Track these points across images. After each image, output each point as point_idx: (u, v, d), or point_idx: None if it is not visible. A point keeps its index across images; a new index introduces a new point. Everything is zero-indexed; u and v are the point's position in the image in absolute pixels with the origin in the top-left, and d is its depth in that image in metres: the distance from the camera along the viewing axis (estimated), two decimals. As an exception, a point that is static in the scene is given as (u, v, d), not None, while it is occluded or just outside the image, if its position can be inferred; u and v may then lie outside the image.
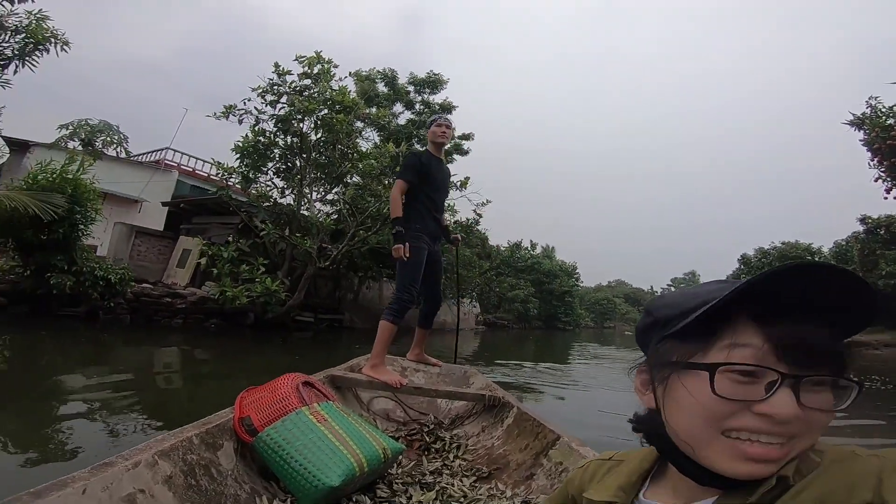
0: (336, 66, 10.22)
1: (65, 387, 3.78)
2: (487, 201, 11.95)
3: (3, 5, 8.33)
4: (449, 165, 17.32)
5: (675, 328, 0.46)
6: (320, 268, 10.00)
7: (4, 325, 6.54)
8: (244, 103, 9.84)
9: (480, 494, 1.64)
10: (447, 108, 17.30)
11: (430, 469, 1.87)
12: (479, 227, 15.47)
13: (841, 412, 0.43)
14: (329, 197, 11.33)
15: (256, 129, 9.89)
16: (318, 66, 9.92)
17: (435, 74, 17.33)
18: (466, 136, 18.35)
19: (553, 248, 40.13)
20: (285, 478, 1.45)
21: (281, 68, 9.84)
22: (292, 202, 10.42)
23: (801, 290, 0.41)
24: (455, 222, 13.07)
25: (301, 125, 9.90)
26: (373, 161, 9.97)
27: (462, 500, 1.60)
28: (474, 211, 12.29)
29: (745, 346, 0.42)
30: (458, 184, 11.09)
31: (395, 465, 1.78)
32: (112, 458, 1.06)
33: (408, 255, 2.68)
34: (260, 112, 9.88)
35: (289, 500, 1.45)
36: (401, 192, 2.80)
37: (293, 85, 9.91)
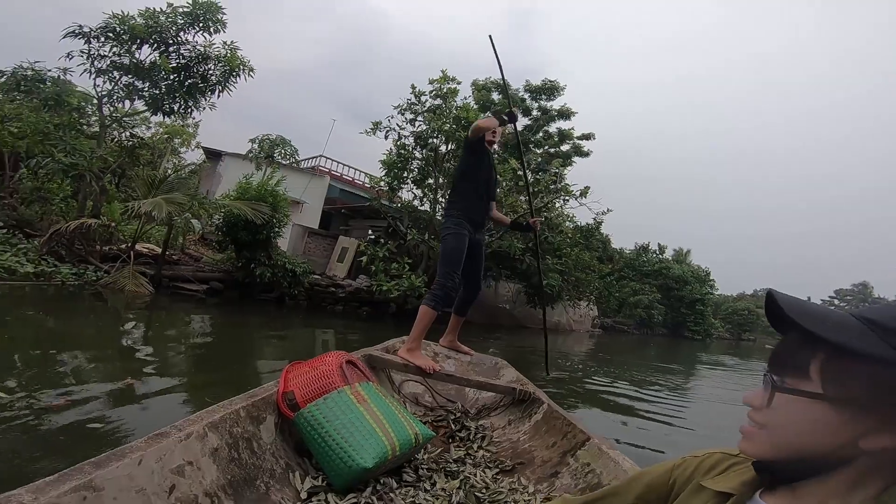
0: (459, 83, 11.45)
1: (262, 352, 5.39)
2: (608, 210, 12.21)
3: (205, 36, 10.12)
4: (569, 168, 17.47)
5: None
6: (441, 266, 11.37)
7: (223, 305, 8.88)
8: (388, 120, 11.56)
9: (502, 487, 1.65)
10: (565, 113, 17.57)
11: (454, 457, 1.88)
12: (601, 231, 15.57)
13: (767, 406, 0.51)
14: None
15: (398, 143, 11.57)
16: (446, 86, 11.22)
17: (550, 81, 17.68)
18: (587, 136, 18.36)
19: (688, 251, 37.26)
20: (320, 455, 1.46)
21: (417, 90, 11.35)
22: (429, 209, 11.91)
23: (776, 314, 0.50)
24: (575, 227, 13.52)
25: (435, 140, 11.30)
26: (497, 177, 11.01)
27: (484, 490, 1.61)
28: (594, 218, 12.59)
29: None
30: (578, 193, 11.55)
31: (423, 450, 1.80)
32: (167, 429, 1.13)
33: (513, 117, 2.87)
34: (401, 128, 11.52)
35: (320, 477, 1.47)
36: (486, 124, 2.85)
37: (427, 104, 11.35)
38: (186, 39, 9.98)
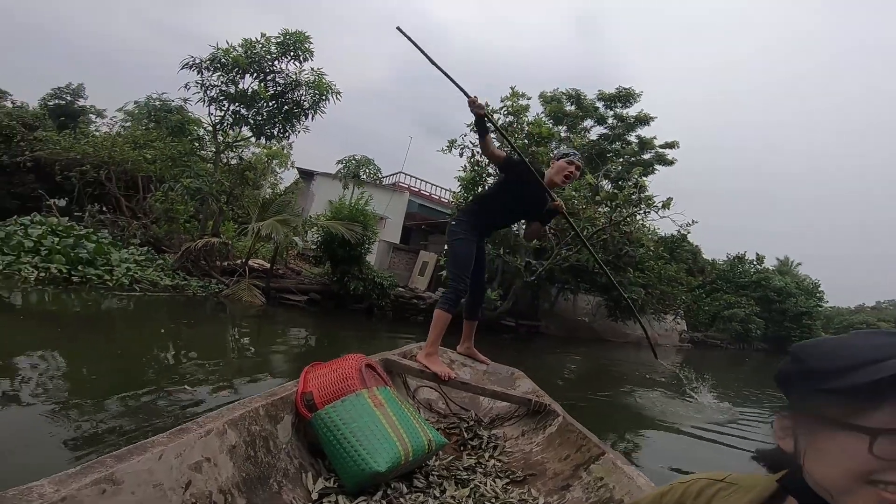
0: (529, 99, 11.60)
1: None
2: (693, 221, 11.69)
3: (296, 64, 11.08)
4: (650, 177, 16.78)
5: (841, 386, 0.45)
6: (526, 281, 11.47)
7: (320, 314, 9.76)
8: (462, 138, 11.97)
9: (512, 497, 1.64)
10: (643, 119, 16.97)
11: (465, 465, 1.88)
12: (688, 241, 14.82)
13: None
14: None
15: (472, 160, 11.95)
16: (517, 103, 11.42)
17: (625, 89, 17.19)
18: (670, 145, 17.59)
19: (796, 262, 33.82)
20: (334, 457, 1.47)
21: (489, 109, 11.69)
22: (504, 224, 12.19)
23: None
24: (659, 240, 13.04)
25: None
26: (573, 192, 10.98)
27: (494, 500, 1.60)
28: (679, 230, 12.09)
29: None
30: (661, 205, 11.19)
31: (435, 457, 1.80)
32: (189, 424, 1.15)
33: (480, 106, 2.68)
34: (474, 145, 11.87)
35: (332, 479, 1.48)
36: (494, 154, 2.77)
37: (498, 122, 11.62)
38: (281, 68, 11.14)
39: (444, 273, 11.09)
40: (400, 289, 11.69)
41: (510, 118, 11.60)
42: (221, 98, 11.00)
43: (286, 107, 11.30)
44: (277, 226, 8.57)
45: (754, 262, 30.11)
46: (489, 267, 12.14)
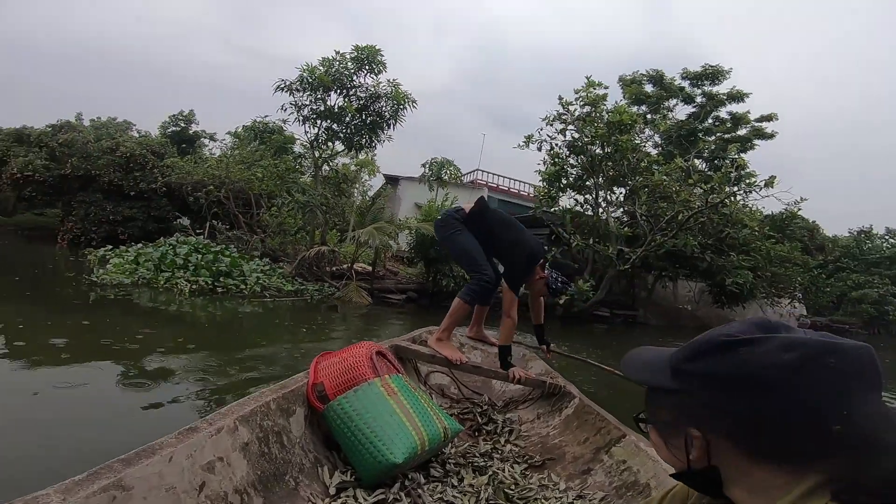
0: (606, 88, 11.28)
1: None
2: (802, 199, 10.67)
3: (372, 77, 11.83)
4: (750, 152, 15.56)
5: None
6: (619, 269, 11.23)
7: (417, 311, 10.35)
8: (538, 132, 11.97)
9: (532, 483, 1.61)
10: (736, 96, 15.77)
11: (481, 451, 1.84)
12: (801, 218, 13.52)
13: None
14: (624, 208, 12.42)
15: (551, 153, 11.90)
16: (593, 92, 11.15)
17: (712, 66, 16.07)
18: (767, 118, 16.21)
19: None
20: (349, 449, 1.43)
21: (564, 100, 11.55)
22: (591, 213, 12.00)
23: None
24: (764, 219, 12.08)
25: (591, 147, 11.33)
26: (664, 177, 10.54)
27: (513, 487, 1.57)
28: (786, 208, 11.11)
29: None
30: (763, 183, 10.37)
31: (450, 444, 1.77)
32: (197, 423, 1.11)
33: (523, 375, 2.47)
34: (552, 138, 11.82)
35: (349, 472, 1.44)
36: (515, 308, 2.57)
37: (575, 113, 11.45)
38: (360, 82, 11.94)
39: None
40: (489, 284, 12.05)
41: (587, 108, 11.40)
42: (313, 116, 12.08)
43: (370, 119, 12.12)
44: (374, 233, 9.33)
45: (886, 237, 26.33)
46: (577, 258, 12.08)
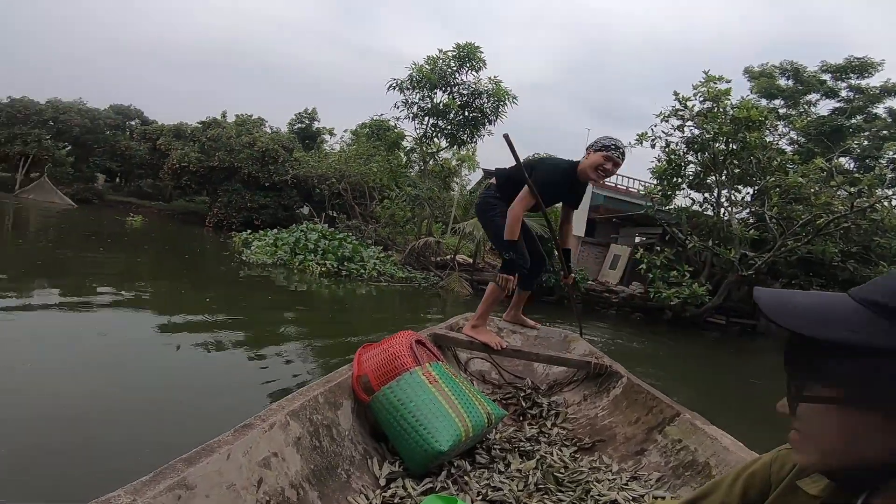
0: (729, 81, 10.35)
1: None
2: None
3: (473, 74, 12.19)
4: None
5: None
6: (741, 275, 10.41)
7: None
8: (652, 129, 11.36)
9: (582, 466, 1.57)
10: (892, 90, 13.61)
11: (527, 436, 1.81)
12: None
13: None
14: (750, 209, 11.44)
15: (667, 150, 11.25)
16: (714, 87, 10.30)
17: (858, 59, 14.00)
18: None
19: None
20: (396, 439, 1.44)
21: (681, 96, 10.82)
22: (712, 213, 11.22)
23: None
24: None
25: (713, 144, 10.54)
26: (800, 178, 9.53)
27: (563, 471, 1.53)
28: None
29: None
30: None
31: (494, 430, 1.74)
32: (251, 420, 1.14)
33: (514, 288, 2.55)
34: (667, 135, 11.16)
35: (397, 462, 1.46)
36: (524, 208, 2.40)
37: (694, 109, 10.68)
38: (462, 80, 12.30)
39: (642, 266, 10.85)
40: (591, 282, 11.81)
41: (707, 104, 10.63)
42: (421, 113, 12.74)
43: (472, 115, 12.49)
44: (478, 224, 9.67)
45: None
46: (694, 259, 11.37)
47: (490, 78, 12.38)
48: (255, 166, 18.82)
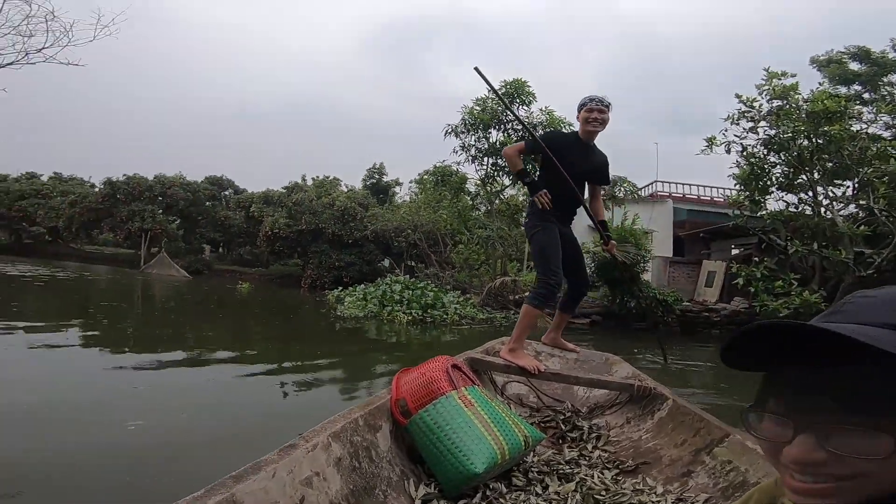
0: (794, 76, 9.73)
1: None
2: None
3: (525, 108, 12.26)
4: None
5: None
6: (860, 276, 9.32)
7: (602, 334, 10.17)
8: (723, 134, 10.74)
9: (625, 489, 1.54)
10: None
11: (567, 459, 1.78)
12: None
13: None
14: (856, 203, 10.37)
15: (744, 153, 10.55)
16: (779, 83, 9.65)
17: None
18: None
19: None
20: (432, 461, 1.48)
21: (744, 97, 10.21)
22: (810, 213, 10.29)
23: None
24: None
25: (795, 142, 9.80)
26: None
27: (604, 493, 1.51)
28: None
29: (779, 388, 0.42)
30: None
31: (532, 453, 1.74)
32: (295, 440, 1.20)
33: (548, 199, 2.53)
34: (741, 138, 10.47)
35: (433, 484, 1.48)
36: (515, 151, 2.73)
37: (763, 108, 10.04)
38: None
39: (738, 281, 10.09)
40: (686, 303, 11.15)
41: (776, 102, 9.99)
42: (480, 155, 13.14)
43: (531, 149, 12.62)
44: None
45: None
46: (800, 266, 10.36)
47: (541, 109, 12.59)
48: (337, 225, 20.34)
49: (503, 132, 12.80)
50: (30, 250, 26.26)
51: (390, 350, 6.92)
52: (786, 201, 10.71)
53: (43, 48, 9.13)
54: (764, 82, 10.20)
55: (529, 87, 12.50)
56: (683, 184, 21.66)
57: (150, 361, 4.65)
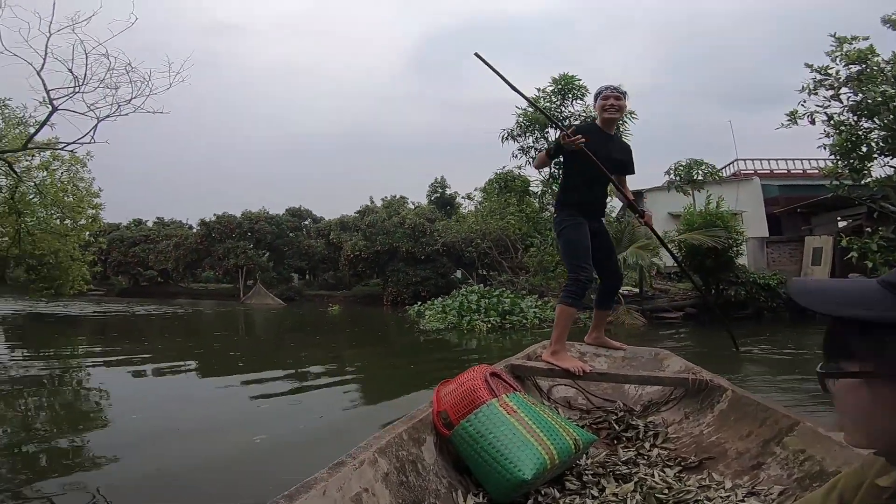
0: (866, 38, 8.88)
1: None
2: None
3: (580, 102, 12.08)
4: None
5: None
6: None
7: (700, 327, 9.61)
8: (802, 105, 9.81)
9: (690, 486, 1.46)
10: None
11: (623, 459, 1.72)
12: None
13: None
14: None
15: (832, 123, 9.58)
16: (852, 47, 8.68)
17: None
18: None
19: None
20: (478, 471, 1.47)
21: (815, 66, 9.31)
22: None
23: None
24: None
25: (891, 105, 8.76)
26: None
27: (666, 492, 1.43)
28: None
29: None
30: None
31: (585, 455, 1.69)
32: (343, 458, 1.22)
33: (583, 140, 2.47)
34: (825, 107, 9.52)
35: (481, 494, 1.47)
36: (539, 163, 2.96)
37: (841, 76, 9.16)
38: (570, 111, 12.18)
39: (852, 255, 9.06)
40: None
41: (853, 68, 8.97)
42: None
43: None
44: (641, 253, 9.29)
45: None
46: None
47: (583, 109, 12.31)
48: (409, 242, 21.00)
49: (559, 130, 12.56)
50: (146, 292, 29.48)
51: (472, 358, 7.06)
52: (892, 166, 9.54)
53: (132, 99, 9.75)
54: (834, 48, 9.30)
55: (579, 80, 12.25)
56: (768, 159, 19.95)
57: (268, 383, 5.21)
